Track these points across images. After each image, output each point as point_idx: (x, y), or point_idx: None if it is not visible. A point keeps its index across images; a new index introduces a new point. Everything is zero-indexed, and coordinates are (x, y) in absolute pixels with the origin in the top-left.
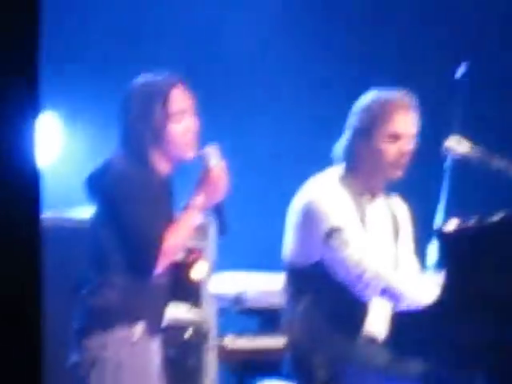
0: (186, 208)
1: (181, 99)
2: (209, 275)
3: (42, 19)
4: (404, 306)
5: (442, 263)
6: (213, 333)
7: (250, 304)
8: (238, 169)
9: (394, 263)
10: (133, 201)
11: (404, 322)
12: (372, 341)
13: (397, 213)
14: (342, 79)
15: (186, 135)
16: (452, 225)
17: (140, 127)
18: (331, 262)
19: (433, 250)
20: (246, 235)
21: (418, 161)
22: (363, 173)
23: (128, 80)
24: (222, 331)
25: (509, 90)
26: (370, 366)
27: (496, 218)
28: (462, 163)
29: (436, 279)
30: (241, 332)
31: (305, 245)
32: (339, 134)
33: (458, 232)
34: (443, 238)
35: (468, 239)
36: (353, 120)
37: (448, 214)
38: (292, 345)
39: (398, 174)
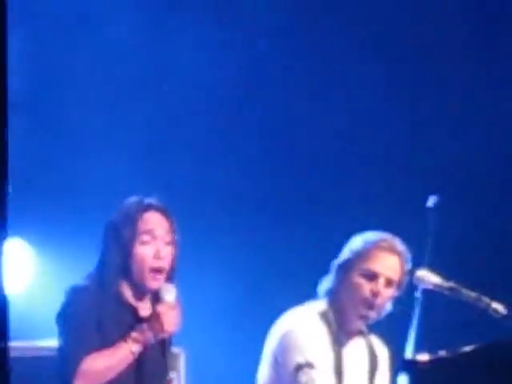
0: (126, 338)
1: (152, 222)
2: None
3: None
4: None
5: None
6: None
7: None
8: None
9: None
10: (78, 324)
11: None
12: None
13: (376, 353)
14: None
15: (154, 261)
16: (422, 357)
17: (110, 249)
18: None
19: (403, 381)
20: (218, 369)
21: None
22: (340, 308)
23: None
24: None
25: (478, 221)
26: None
27: (466, 350)
28: (431, 294)
29: None
30: None
31: (276, 375)
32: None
33: (428, 364)
34: (413, 370)
35: (438, 372)
36: (339, 257)
37: (418, 345)
38: None
39: (371, 314)
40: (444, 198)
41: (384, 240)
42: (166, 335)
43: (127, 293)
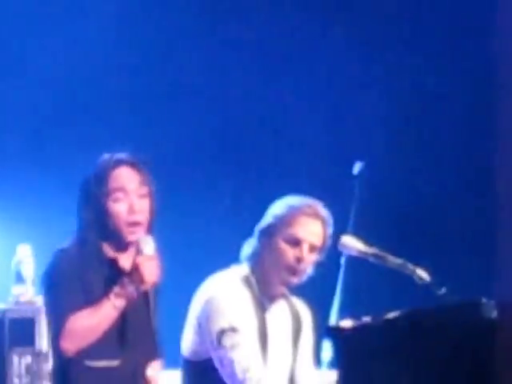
0: (108, 294)
1: (122, 179)
2: None
3: None
4: None
5: (335, 360)
6: None
7: None
8: None
9: (289, 368)
10: (62, 284)
11: None
12: None
13: (299, 316)
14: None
15: (128, 216)
16: (345, 323)
17: (83, 208)
18: (219, 361)
19: (327, 346)
20: None
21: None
22: (264, 274)
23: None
24: None
25: (403, 190)
26: None
27: (390, 316)
28: (356, 261)
29: (330, 377)
30: None
31: (199, 340)
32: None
33: (352, 330)
34: (336, 335)
35: (362, 338)
36: (262, 221)
37: (342, 311)
38: None
39: (294, 280)
40: (369, 164)
41: (308, 205)
42: (147, 287)
43: (107, 248)
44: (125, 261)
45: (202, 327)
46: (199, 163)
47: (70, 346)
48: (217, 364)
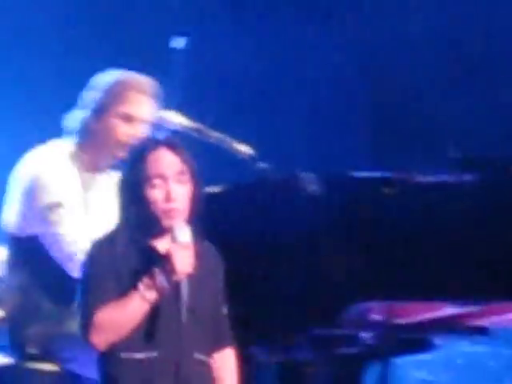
0: (137, 286)
1: (161, 164)
2: None
3: None
4: None
5: None
6: None
7: None
8: None
9: None
10: (91, 275)
11: None
12: None
13: None
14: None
15: (165, 203)
16: None
17: (122, 195)
18: (46, 237)
19: None
20: None
21: None
22: (93, 149)
23: None
24: None
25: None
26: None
27: (211, 190)
28: (178, 135)
29: None
30: None
31: (25, 216)
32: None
33: None
34: None
35: None
36: (88, 95)
37: None
38: (8, 317)
39: (124, 154)
40: (191, 39)
41: (138, 82)
42: (179, 277)
43: (144, 236)
44: (161, 249)
45: (28, 203)
46: None
47: (99, 340)
48: (44, 239)
